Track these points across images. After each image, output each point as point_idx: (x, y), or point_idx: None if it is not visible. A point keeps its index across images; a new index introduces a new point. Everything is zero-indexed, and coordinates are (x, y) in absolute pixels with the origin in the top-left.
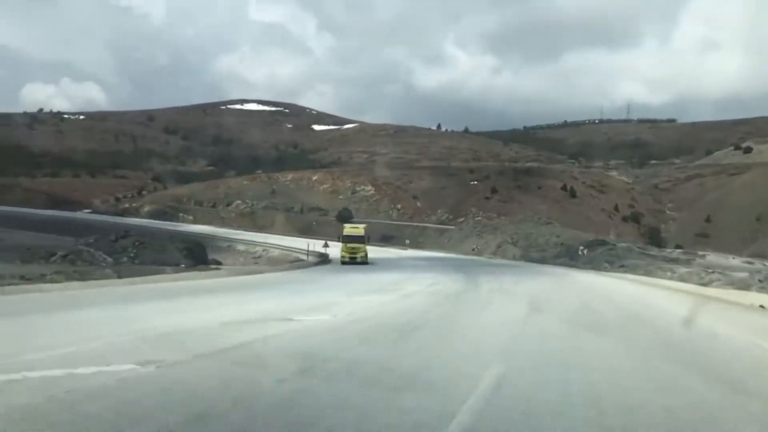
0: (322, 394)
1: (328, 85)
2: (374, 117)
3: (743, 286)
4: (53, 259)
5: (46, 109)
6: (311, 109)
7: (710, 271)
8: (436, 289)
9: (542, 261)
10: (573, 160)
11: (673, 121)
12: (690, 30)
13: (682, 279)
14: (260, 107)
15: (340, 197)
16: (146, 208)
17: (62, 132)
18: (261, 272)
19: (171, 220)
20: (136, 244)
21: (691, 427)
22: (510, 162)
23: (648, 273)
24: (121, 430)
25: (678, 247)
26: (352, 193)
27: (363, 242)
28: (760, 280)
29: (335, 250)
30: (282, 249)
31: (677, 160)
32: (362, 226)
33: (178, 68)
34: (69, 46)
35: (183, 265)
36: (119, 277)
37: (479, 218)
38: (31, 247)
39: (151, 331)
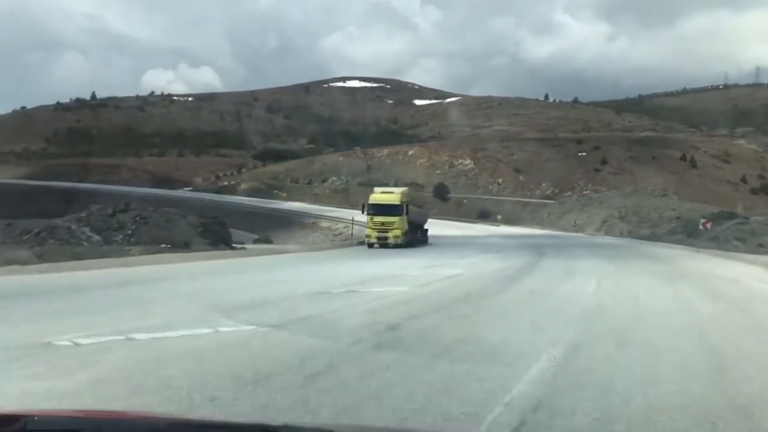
0: None
1: (433, 60)
2: (480, 91)
3: None
4: (26, 237)
5: (157, 93)
6: (413, 84)
7: None
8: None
9: (653, 238)
10: (693, 129)
11: None
12: None
13: None
14: (362, 84)
15: (438, 172)
16: (243, 186)
17: (171, 113)
18: (289, 251)
19: (266, 198)
20: (137, 219)
21: None
22: (623, 132)
23: None
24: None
25: None
26: (450, 168)
27: (400, 214)
28: None
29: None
30: (362, 225)
31: None
32: (400, 190)
33: (286, 50)
34: (186, 33)
35: (188, 245)
36: (42, 260)
37: (587, 192)
38: (11, 223)
39: None
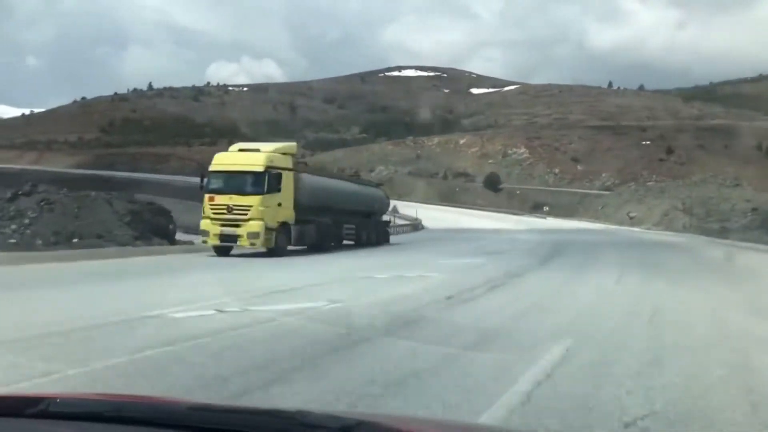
0: None
1: (493, 49)
2: (541, 79)
3: None
4: None
5: (213, 83)
6: (471, 73)
7: None
8: None
9: (724, 234)
10: None
11: None
12: None
13: None
14: (418, 73)
15: (490, 161)
16: None
17: (225, 104)
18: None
19: None
20: (42, 204)
21: None
22: (691, 120)
23: None
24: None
25: None
26: (503, 157)
27: (261, 192)
28: None
29: (434, 213)
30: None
31: None
32: (273, 146)
33: (345, 41)
34: (249, 26)
35: (102, 237)
36: None
37: (650, 183)
38: None
39: None
